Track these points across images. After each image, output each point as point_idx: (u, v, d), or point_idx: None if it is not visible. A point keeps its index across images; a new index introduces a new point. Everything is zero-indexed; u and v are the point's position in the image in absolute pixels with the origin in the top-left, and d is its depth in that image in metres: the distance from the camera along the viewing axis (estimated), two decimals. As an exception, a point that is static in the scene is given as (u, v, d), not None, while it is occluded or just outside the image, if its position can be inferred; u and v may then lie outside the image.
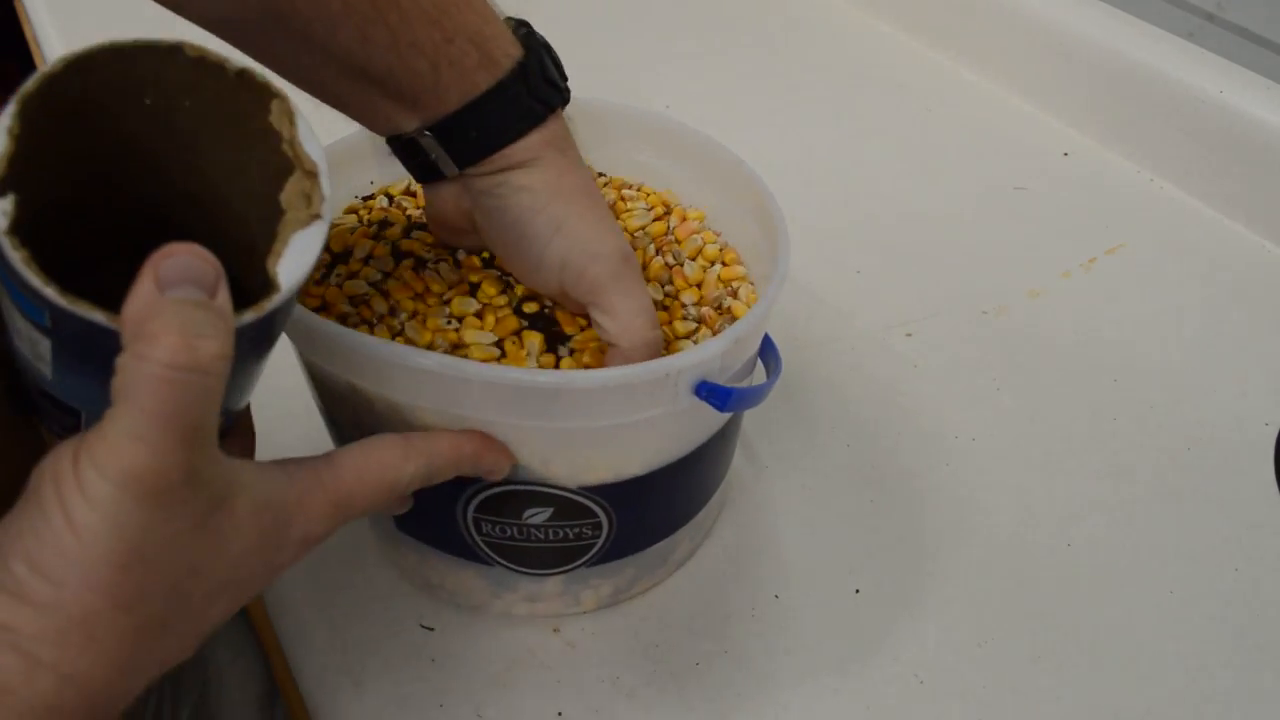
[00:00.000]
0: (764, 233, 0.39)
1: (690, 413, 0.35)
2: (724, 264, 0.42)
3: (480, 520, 0.37)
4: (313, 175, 0.28)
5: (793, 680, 0.40)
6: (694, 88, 0.74)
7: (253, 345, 0.27)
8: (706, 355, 0.33)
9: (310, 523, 0.29)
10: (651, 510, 0.39)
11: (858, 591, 0.43)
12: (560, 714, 0.39)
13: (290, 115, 0.29)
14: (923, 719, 0.39)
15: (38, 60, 0.84)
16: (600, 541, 0.38)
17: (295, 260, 0.27)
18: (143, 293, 0.24)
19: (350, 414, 0.36)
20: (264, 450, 0.35)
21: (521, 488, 0.35)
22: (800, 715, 0.39)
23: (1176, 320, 0.56)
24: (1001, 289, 0.58)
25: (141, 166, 0.30)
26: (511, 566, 0.39)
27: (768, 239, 0.39)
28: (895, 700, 0.39)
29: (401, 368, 0.32)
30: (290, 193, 0.28)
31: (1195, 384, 0.52)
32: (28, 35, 0.87)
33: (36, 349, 0.26)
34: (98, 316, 0.24)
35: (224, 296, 0.25)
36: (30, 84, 0.26)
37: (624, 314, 0.34)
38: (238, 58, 0.29)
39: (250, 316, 0.25)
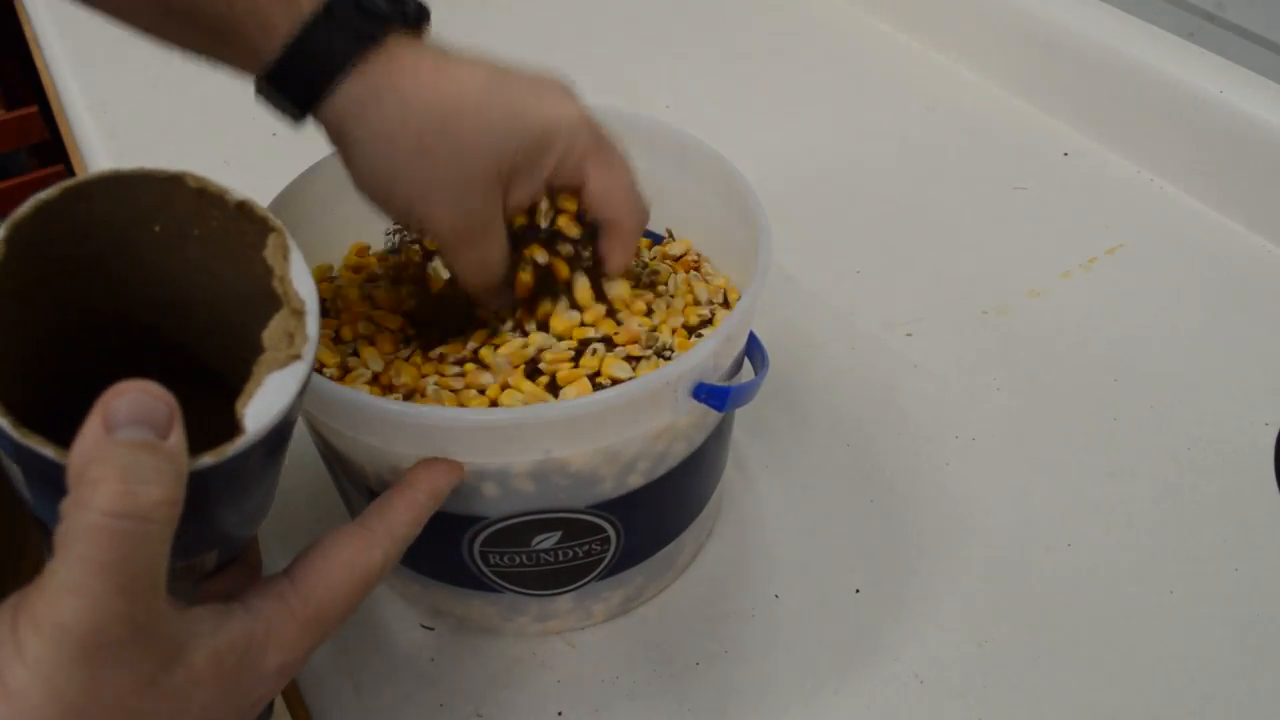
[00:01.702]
0: (746, 230, 0.39)
1: (688, 415, 0.35)
2: (703, 277, 0.42)
3: (488, 553, 0.37)
4: (299, 314, 0.28)
5: (793, 680, 0.40)
6: (694, 88, 0.74)
7: (229, 483, 0.26)
8: (701, 358, 0.33)
9: (286, 651, 0.27)
10: (656, 517, 0.39)
11: (858, 591, 0.43)
12: (560, 714, 0.39)
13: (285, 250, 0.28)
14: (923, 719, 0.39)
15: (38, 60, 0.84)
16: (609, 555, 0.38)
17: (267, 401, 0.26)
18: (88, 434, 0.22)
19: (347, 464, 0.36)
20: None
21: (529, 518, 0.35)
22: (800, 715, 0.39)
23: (1176, 320, 0.56)
24: (1001, 289, 0.58)
25: (155, 292, 0.30)
26: (522, 591, 0.39)
27: (749, 235, 0.39)
28: (895, 700, 0.39)
29: (405, 424, 0.32)
30: (274, 330, 0.27)
31: (1195, 384, 0.52)
32: (28, 35, 0.87)
33: (14, 474, 0.26)
34: (49, 453, 0.23)
35: (177, 438, 0.23)
36: (25, 209, 0.26)
37: (617, 187, 0.34)
38: (237, 190, 0.29)
39: (209, 460, 0.24)
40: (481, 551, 0.36)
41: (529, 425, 0.32)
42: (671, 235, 0.45)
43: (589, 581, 0.39)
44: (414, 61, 0.32)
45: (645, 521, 0.38)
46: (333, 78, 0.32)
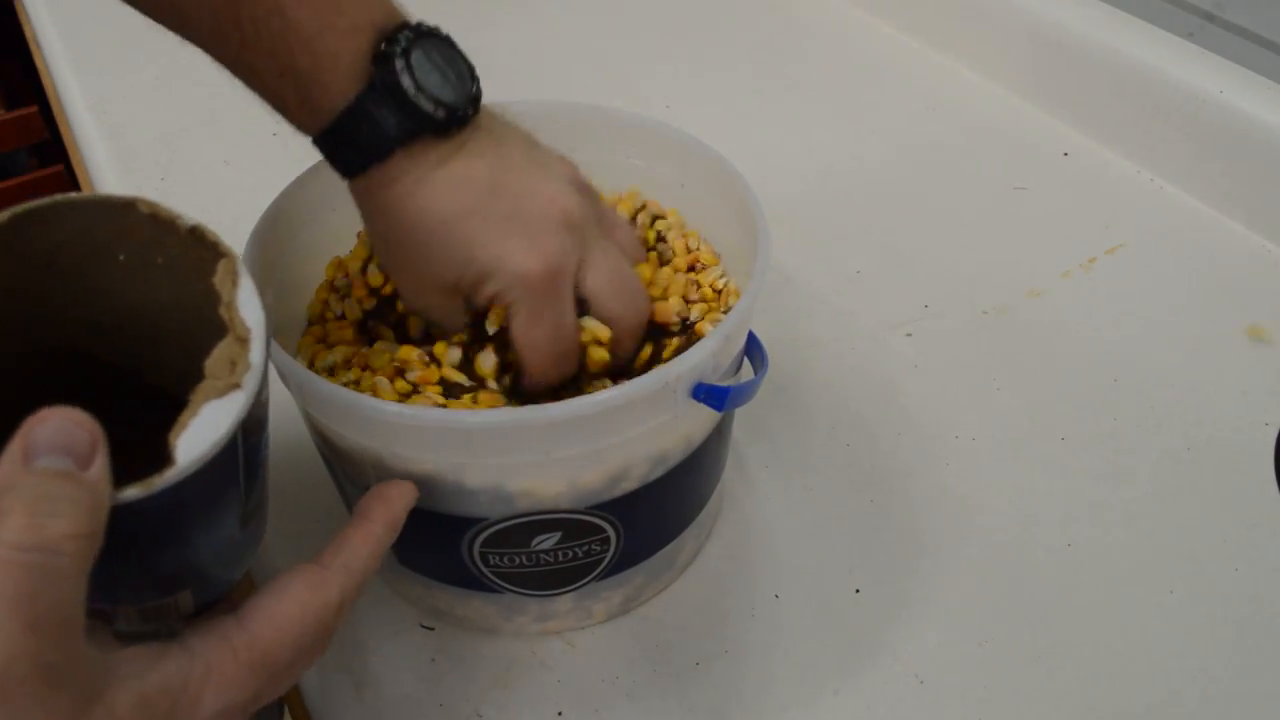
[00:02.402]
0: (745, 229, 0.39)
1: (687, 415, 0.35)
2: (701, 265, 0.42)
3: (487, 554, 0.37)
4: (243, 341, 0.27)
5: (793, 680, 0.40)
6: (694, 88, 0.74)
7: (168, 518, 0.25)
8: (701, 357, 0.33)
9: (227, 693, 0.26)
10: (656, 517, 0.39)
11: (858, 591, 0.43)
12: (560, 714, 0.39)
13: (234, 276, 0.28)
14: (923, 719, 0.39)
15: (38, 60, 0.84)
16: (609, 555, 0.38)
17: (202, 432, 0.25)
18: (5, 462, 0.22)
19: (342, 460, 0.36)
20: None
21: (528, 519, 0.35)
22: (800, 715, 0.39)
23: (1176, 320, 0.56)
24: (1001, 289, 0.58)
25: (127, 324, 0.29)
26: (521, 591, 0.39)
27: (749, 235, 0.39)
28: (895, 700, 0.39)
29: (396, 424, 0.32)
30: (217, 358, 0.27)
31: (1195, 384, 0.52)
32: (28, 35, 0.87)
33: None
34: None
35: (99, 469, 0.22)
36: None
37: (527, 344, 0.35)
38: (188, 215, 0.28)
39: (135, 493, 0.23)
40: (481, 552, 0.36)
41: (528, 426, 0.32)
42: (663, 237, 0.45)
43: (589, 581, 0.39)
44: (403, 172, 0.34)
45: (645, 522, 0.38)
46: (364, 167, 0.34)
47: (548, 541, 0.36)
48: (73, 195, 0.27)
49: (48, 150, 1.20)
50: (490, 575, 0.38)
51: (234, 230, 0.40)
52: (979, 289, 0.58)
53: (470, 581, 0.38)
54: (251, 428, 0.27)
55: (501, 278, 0.34)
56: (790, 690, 0.40)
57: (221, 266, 0.28)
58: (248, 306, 0.28)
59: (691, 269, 0.43)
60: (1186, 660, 0.41)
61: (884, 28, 0.82)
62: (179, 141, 0.69)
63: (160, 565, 0.26)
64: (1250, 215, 0.62)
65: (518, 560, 0.37)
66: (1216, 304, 0.57)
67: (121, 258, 0.28)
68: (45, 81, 0.81)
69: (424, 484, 0.34)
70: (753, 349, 0.40)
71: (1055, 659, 0.41)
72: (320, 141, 0.34)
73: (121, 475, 0.24)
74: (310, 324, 0.42)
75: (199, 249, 0.28)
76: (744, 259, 0.40)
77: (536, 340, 0.35)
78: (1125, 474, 0.48)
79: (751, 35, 0.81)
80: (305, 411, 0.37)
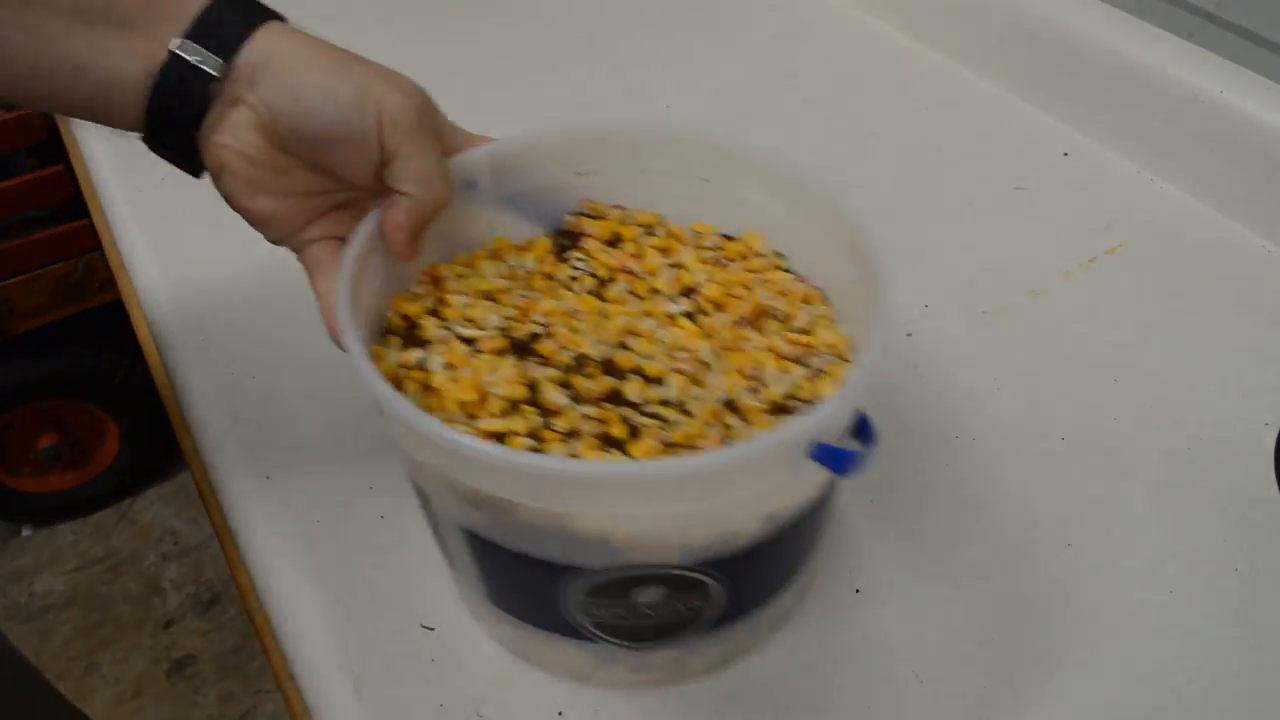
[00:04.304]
0: (857, 269, 0.38)
1: (805, 475, 0.33)
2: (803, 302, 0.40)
3: (587, 603, 0.35)
4: None
5: (793, 680, 0.40)
6: (694, 88, 0.74)
7: None
8: (826, 416, 0.31)
9: None
10: (763, 574, 0.37)
11: (858, 591, 0.43)
12: (560, 714, 0.39)
13: None
14: (923, 719, 0.39)
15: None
16: (712, 610, 0.36)
17: None
18: None
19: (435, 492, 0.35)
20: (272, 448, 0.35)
21: (632, 572, 0.34)
22: (800, 715, 0.39)
23: (1176, 320, 0.56)
24: (1001, 289, 0.58)
25: None
26: (618, 643, 0.37)
27: (862, 278, 0.37)
28: (895, 700, 0.39)
29: (506, 470, 0.30)
30: None
31: (1195, 384, 0.52)
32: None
33: None
34: None
35: None
36: None
37: (425, 168, 0.36)
38: None
39: None
40: (580, 601, 0.35)
41: (640, 481, 0.30)
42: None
43: (689, 635, 0.37)
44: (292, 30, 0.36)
45: (752, 579, 0.36)
46: (254, 25, 0.35)
47: (650, 595, 0.35)
48: None
49: (48, 150, 1.20)
50: (588, 625, 0.36)
51: (233, 234, 0.40)
52: (979, 289, 0.58)
53: (566, 629, 0.37)
54: None
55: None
56: (790, 690, 0.40)
57: None
58: None
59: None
60: (1186, 660, 0.41)
61: (884, 28, 0.82)
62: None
63: None
64: (1250, 215, 0.62)
65: (618, 611, 0.35)
66: (1216, 304, 0.57)
67: None
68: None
69: (527, 528, 0.33)
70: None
71: (1055, 659, 0.41)
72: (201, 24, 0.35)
73: None
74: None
75: None
76: (848, 300, 0.38)
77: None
78: (1125, 474, 0.48)
79: (751, 35, 0.81)
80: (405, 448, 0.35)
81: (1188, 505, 0.46)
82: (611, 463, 0.31)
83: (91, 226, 0.69)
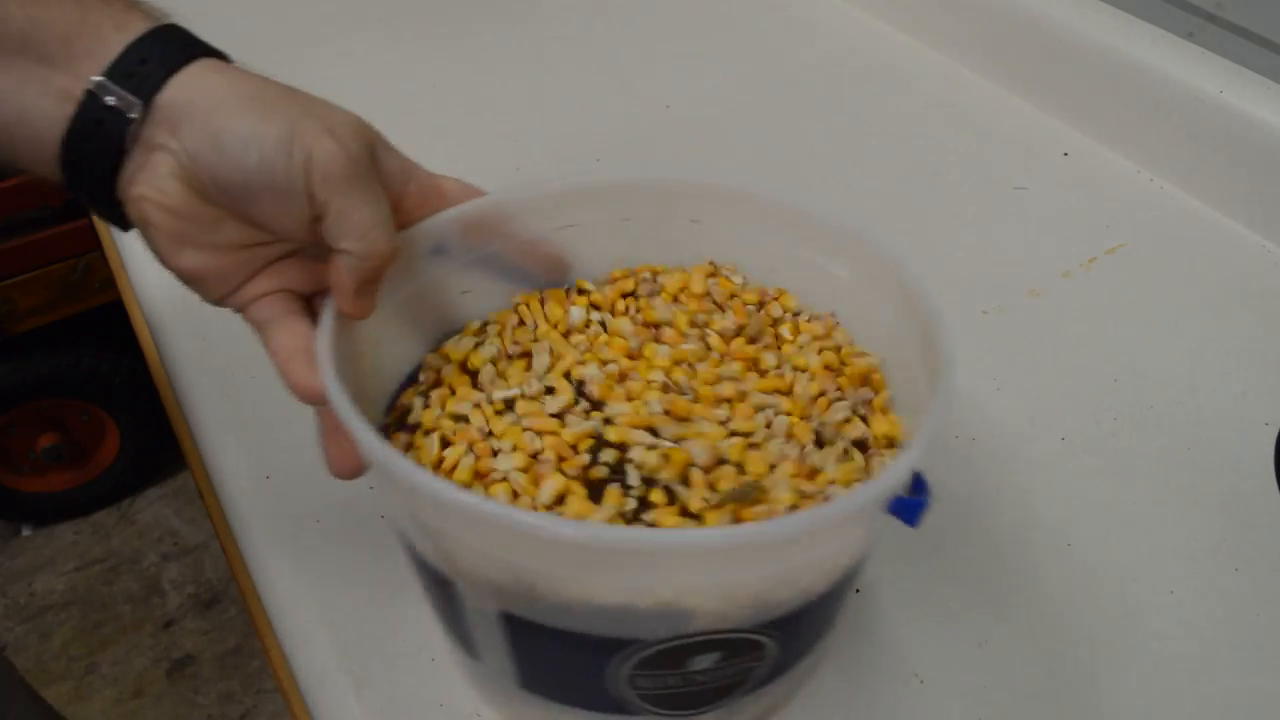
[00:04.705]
0: (907, 320, 0.36)
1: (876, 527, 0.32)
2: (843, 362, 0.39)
3: (637, 676, 0.33)
4: None
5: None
6: (694, 88, 0.74)
7: None
8: (901, 473, 0.30)
9: None
10: (814, 628, 0.36)
11: (858, 591, 0.43)
12: (560, 714, 0.39)
13: None
14: (923, 719, 0.39)
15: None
16: (763, 670, 0.35)
17: None
18: None
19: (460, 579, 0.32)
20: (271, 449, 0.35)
21: (692, 640, 0.31)
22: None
23: (1176, 320, 0.56)
24: (1001, 289, 0.58)
25: None
26: (664, 713, 0.35)
27: (914, 329, 0.35)
28: (895, 700, 0.39)
29: (579, 546, 0.27)
30: None
31: (1195, 384, 0.52)
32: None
33: None
34: None
35: None
36: None
37: (362, 222, 0.32)
38: None
39: None
40: (630, 675, 0.33)
41: (705, 549, 0.28)
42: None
43: (738, 696, 0.35)
44: (219, 67, 0.33)
45: (803, 634, 0.35)
46: (178, 67, 0.32)
47: (706, 661, 0.33)
48: None
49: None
50: (635, 698, 0.34)
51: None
52: (979, 289, 0.58)
53: (609, 705, 0.34)
54: None
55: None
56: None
57: None
58: None
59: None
60: (1187, 660, 0.41)
61: (884, 28, 0.82)
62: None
63: None
64: (1250, 215, 0.62)
65: (669, 681, 0.33)
66: (1216, 304, 0.57)
67: None
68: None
69: (585, 605, 0.30)
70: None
71: (1055, 659, 0.41)
72: (146, 38, 0.32)
73: None
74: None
75: None
76: (900, 349, 0.37)
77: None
78: (1125, 474, 0.48)
79: (750, 35, 0.81)
80: (409, 521, 0.32)
81: (1188, 505, 0.46)
82: (701, 530, 0.29)
83: (91, 226, 0.69)
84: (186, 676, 1.26)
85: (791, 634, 0.33)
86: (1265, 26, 0.62)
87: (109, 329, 1.22)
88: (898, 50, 0.79)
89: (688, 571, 0.29)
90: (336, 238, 0.33)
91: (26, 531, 1.42)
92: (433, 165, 0.37)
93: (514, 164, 0.65)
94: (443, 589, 0.34)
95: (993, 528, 0.46)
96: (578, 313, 0.40)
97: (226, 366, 0.52)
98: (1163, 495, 0.47)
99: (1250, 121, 0.60)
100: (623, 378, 0.38)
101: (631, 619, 0.30)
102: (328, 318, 0.34)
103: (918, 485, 0.32)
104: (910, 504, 0.31)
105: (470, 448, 0.35)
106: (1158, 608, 0.43)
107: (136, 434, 1.35)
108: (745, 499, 0.33)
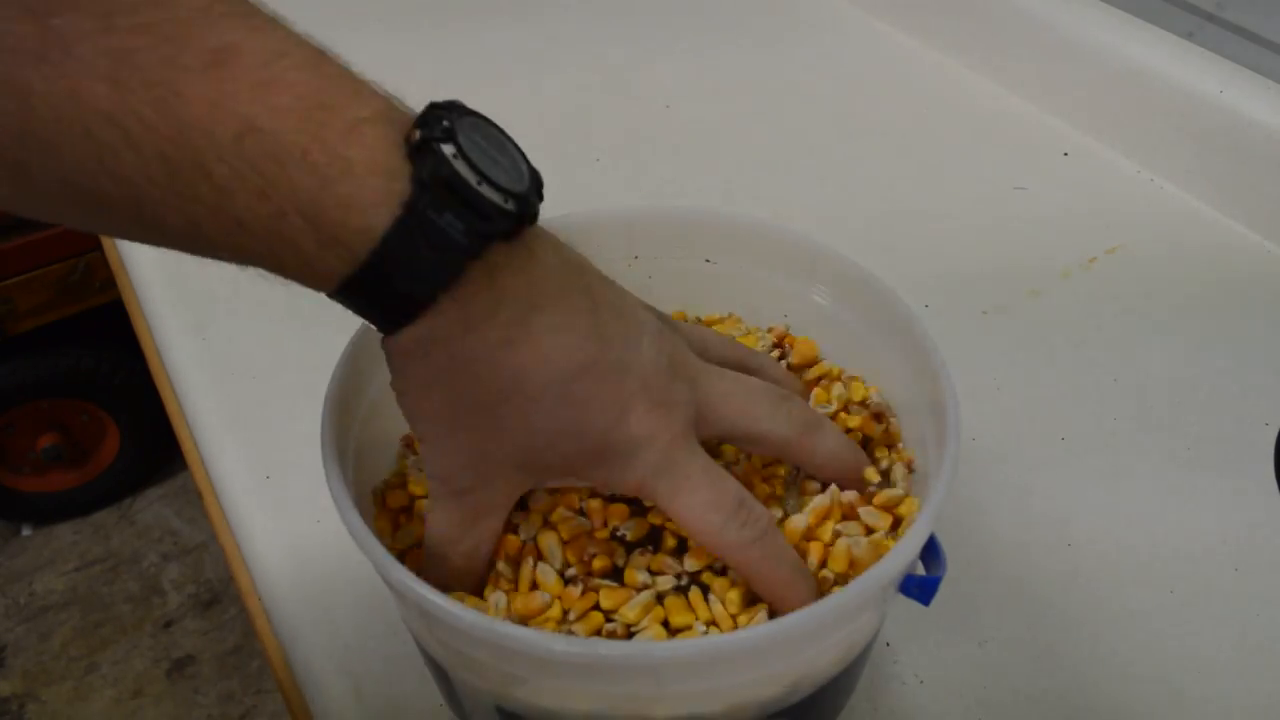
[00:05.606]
0: (919, 381, 0.36)
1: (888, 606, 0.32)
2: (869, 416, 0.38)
3: None
4: None
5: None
6: (694, 88, 0.74)
7: None
8: (912, 549, 0.29)
9: None
10: (826, 709, 0.35)
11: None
12: (560, 714, 0.39)
13: None
14: (923, 719, 0.39)
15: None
16: None
17: None
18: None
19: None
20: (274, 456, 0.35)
21: None
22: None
23: (1176, 319, 0.56)
24: (1001, 289, 0.58)
25: None
26: None
27: (925, 392, 0.35)
28: (895, 700, 0.39)
29: (578, 664, 0.26)
30: None
31: (1195, 384, 0.52)
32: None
33: None
34: None
35: None
36: None
37: (689, 517, 0.28)
38: None
39: None
40: None
41: (729, 654, 0.27)
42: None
43: None
44: (489, 309, 0.26)
45: (823, 705, 0.34)
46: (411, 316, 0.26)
47: None
48: None
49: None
50: None
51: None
52: (979, 289, 0.58)
53: None
54: None
55: (637, 451, 0.28)
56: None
57: None
58: None
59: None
60: (1186, 660, 0.41)
61: (884, 28, 0.82)
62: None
63: None
64: (1250, 215, 0.62)
65: None
66: (1216, 304, 0.57)
67: None
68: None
69: (570, 714, 0.29)
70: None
71: (1055, 659, 0.41)
72: (352, 287, 0.26)
73: None
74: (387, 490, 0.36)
75: None
76: (912, 413, 0.36)
77: (705, 507, 0.29)
78: (1125, 474, 0.48)
79: (750, 35, 0.81)
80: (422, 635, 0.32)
81: (1188, 505, 0.46)
82: (717, 637, 0.28)
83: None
84: (186, 676, 1.26)
85: (803, 716, 0.32)
86: (1265, 26, 0.62)
87: (109, 329, 1.22)
88: (898, 50, 0.79)
89: (679, 682, 0.28)
90: None
91: (26, 531, 1.42)
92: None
93: (514, 164, 0.65)
94: (440, 672, 0.33)
95: (993, 528, 0.46)
96: None
97: (226, 366, 0.52)
98: (1163, 495, 0.47)
99: (1250, 121, 0.60)
100: None
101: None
102: (338, 372, 0.33)
103: (932, 550, 0.30)
104: (924, 583, 0.29)
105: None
106: (1158, 608, 0.43)
107: (136, 434, 1.35)
108: None
